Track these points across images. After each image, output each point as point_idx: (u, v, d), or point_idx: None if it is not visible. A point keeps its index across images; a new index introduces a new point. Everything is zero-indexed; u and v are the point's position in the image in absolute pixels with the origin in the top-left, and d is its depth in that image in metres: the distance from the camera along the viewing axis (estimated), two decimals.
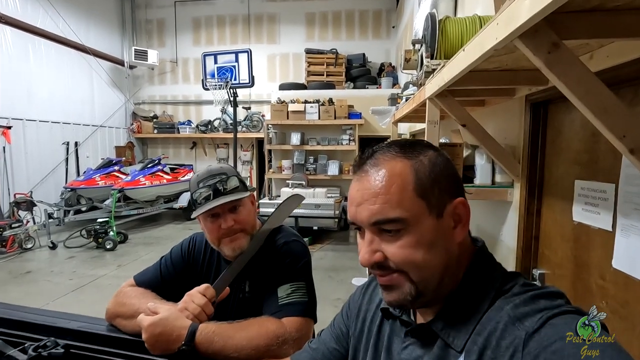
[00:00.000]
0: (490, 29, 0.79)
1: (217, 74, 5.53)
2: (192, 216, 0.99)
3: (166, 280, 1.06)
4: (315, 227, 5.22)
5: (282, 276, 0.96)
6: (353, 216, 0.53)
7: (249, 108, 8.03)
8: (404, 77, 5.87)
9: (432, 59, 1.57)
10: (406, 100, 2.61)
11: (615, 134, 0.72)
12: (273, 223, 1.05)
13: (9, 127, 5.70)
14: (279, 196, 5.87)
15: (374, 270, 0.53)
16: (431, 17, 1.55)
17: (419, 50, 1.86)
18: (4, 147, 5.65)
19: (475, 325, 0.48)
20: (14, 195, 5.50)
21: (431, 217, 0.50)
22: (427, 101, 1.64)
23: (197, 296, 0.87)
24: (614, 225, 1.06)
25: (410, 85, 2.63)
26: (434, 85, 1.46)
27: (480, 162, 1.76)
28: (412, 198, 0.50)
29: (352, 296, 0.73)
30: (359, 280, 3.89)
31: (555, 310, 0.44)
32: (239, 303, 1.01)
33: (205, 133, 8.24)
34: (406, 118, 3.01)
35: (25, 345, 0.73)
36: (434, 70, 1.52)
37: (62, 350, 0.73)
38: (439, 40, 1.52)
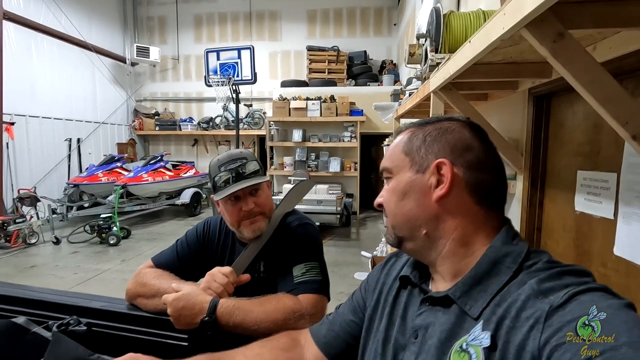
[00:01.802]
0: (497, 19, 0.82)
1: (220, 71, 5.55)
2: (215, 199, 1.02)
3: (183, 262, 1.09)
4: (317, 223, 5.24)
5: (296, 256, 0.99)
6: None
7: (251, 105, 8.05)
8: (405, 74, 5.88)
9: (436, 52, 1.59)
10: (409, 95, 2.63)
11: (618, 121, 0.74)
12: (286, 207, 1.09)
13: (12, 124, 5.72)
14: (281, 192, 5.89)
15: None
16: (436, 12, 1.57)
17: (424, 44, 1.88)
18: (7, 144, 5.67)
19: (494, 296, 0.49)
20: (18, 190, 5.52)
21: (411, 171, 0.59)
22: (432, 95, 1.66)
23: (218, 275, 0.91)
24: (615, 214, 1.09)
25: (414, 80, 2.66)
26: (438, 78, 1.48)
27: None
28: (399, 154, 0.61)
29: (371, 272, 0.76)
30: (362, 275, 3.92)
31: (582, 286, 0.44)
32: (255, 283, 1.04)
33: (207, 130, 8.27)
34: (409, 113, 3.04)
35: (49, 323, 0.76)
36: (438, 63, 1.54)
37: (84, 328, 0.76)
38: (443, 34, 1.54)
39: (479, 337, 0.48)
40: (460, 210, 0.56)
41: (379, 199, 0.64)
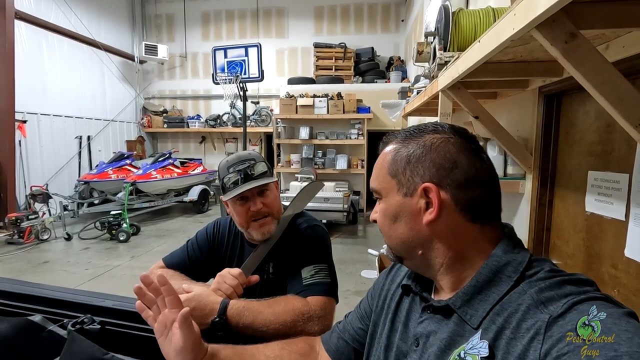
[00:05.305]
0: (507, 19, 0.81)
1: (227, 68, 5.57)
2: (224, 199, 1.03)
3: (193, 263, 1.10)
4: (324, 221, 5.26)
5: (305, 258, 1.00)
6: None
7: (258, 102, 8.07)
8: (413, 71, 5.84)
9: (445, 51, 1.58)
10: (417, 93, 2.62)
11: (630, 122, 0.73)
12: (295, 209, 1.09)
13: (24, 122, 5.83)
14: (288, 190, 5.91)
15: None
16: (444, 9, 1.56)
17: (432, 42, 1.87)
18: (19, 141, 5.79)
19: (494, 305, 0.49)
20: (30, 187, 5.63)
21: (399, 195, 0.57)
22: (440, 93, 1.65)
23: (228, 277, 0.93)
24: (627, 215, 1.08)
25: (422, 78, 2.64)
26: (447, 77, 1.47)
27: (493, 154, 1.77)
28: (385, 176, 0.60)
29: (378, 278, 0.77)
30: (368, 273, 3.92)
31: (582, 295, 0.43)
32: (264, 284, 1.05)
33: (214, 127, 8.32)
34: (417, 111, 3.02)
35: (64, 321, 0.78)
36: (447, 62, 1.53)
37: (98, 327, 0.78)
38: (452, 32, 1.53)
39: (476, 346, 0.47)
40: (453, 231, 0.54)
41: (373, 215, 0.63)
